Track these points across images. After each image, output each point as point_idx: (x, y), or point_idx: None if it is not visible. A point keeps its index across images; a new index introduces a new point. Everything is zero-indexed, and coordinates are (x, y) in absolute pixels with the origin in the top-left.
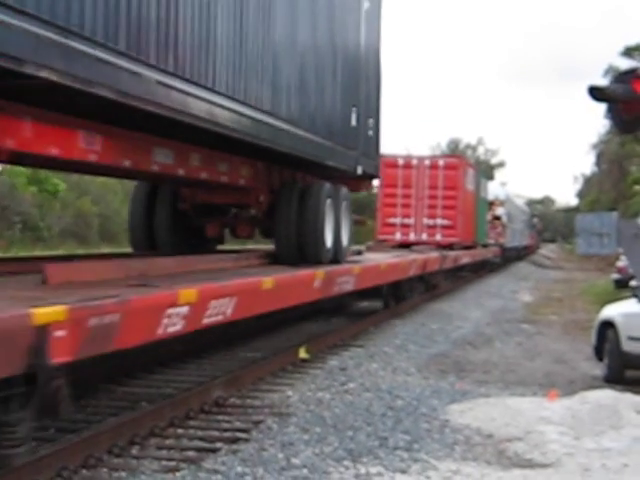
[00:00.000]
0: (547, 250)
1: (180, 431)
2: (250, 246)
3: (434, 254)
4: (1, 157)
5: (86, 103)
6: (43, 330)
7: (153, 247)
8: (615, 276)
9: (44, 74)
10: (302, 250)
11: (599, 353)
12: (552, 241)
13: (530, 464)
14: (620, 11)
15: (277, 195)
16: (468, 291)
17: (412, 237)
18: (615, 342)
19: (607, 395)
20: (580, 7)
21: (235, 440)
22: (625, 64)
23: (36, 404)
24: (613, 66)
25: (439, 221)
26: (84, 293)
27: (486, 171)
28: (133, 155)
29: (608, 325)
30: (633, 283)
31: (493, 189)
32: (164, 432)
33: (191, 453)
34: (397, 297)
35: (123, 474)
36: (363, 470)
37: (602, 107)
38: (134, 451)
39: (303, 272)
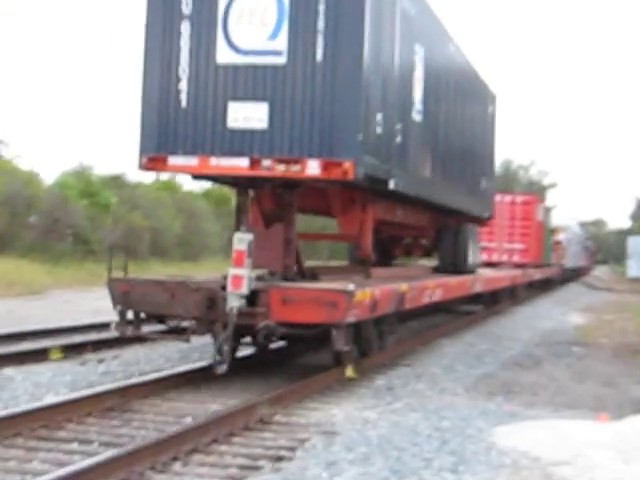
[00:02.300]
0: (599, 272)
1: (224, 448)
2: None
3: (518, 271)
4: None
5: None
6: (351, 296)
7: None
8: None
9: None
10: (455, 265)
11: None
12: (604, 263)
13: None
14: None
15: (440, 231)
16: (518, 314)
17: (495, 258)
18: None
19: None
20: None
21: (279, 458)
22: None
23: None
24: None
25: (516, 245)
26: (388, 282)
27: (538, 192)
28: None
29: None
30: None
31: (557, 217)
32: (207, 449)
33: (234, 470)
34: (493, 301)
35: None
36: None
37: None
38: (177, 467)
39: (463, 277)
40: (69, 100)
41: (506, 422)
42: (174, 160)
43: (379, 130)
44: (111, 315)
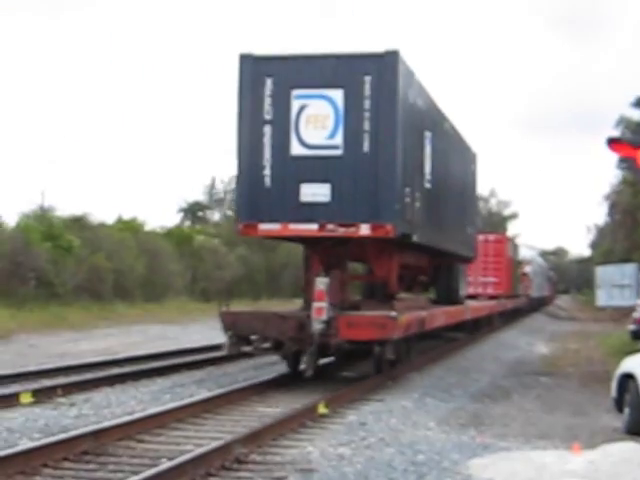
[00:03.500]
0: (561, 301)
1: None
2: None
3: (494, 302)
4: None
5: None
6: (395, 320)
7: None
8: (631, 327)
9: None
10: (449, 297)
11: (619, 405)
12: (566, 292)
13: None
14: (634, 60)
15: (437, 270)
16: (484, 345)
17: (472, 290)
18: (636, 393)
19: (629, 447)
20: (593, 56)
21: None
22: (637, 115)
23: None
24: (625, 117)
25: (490, 279)
26: (410, 310)
27: (498, 223)
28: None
29: (628, 377)
30: None
31: (523, 250)
32: None
33: None
34: (475, 328)
35: None
36: None
37: (614, 157)
38: None
39: (458, 307)
40: (24, 138)
41: (480, 454)
42: (263, 226)
43: (407, 200)
44: (79, 358)
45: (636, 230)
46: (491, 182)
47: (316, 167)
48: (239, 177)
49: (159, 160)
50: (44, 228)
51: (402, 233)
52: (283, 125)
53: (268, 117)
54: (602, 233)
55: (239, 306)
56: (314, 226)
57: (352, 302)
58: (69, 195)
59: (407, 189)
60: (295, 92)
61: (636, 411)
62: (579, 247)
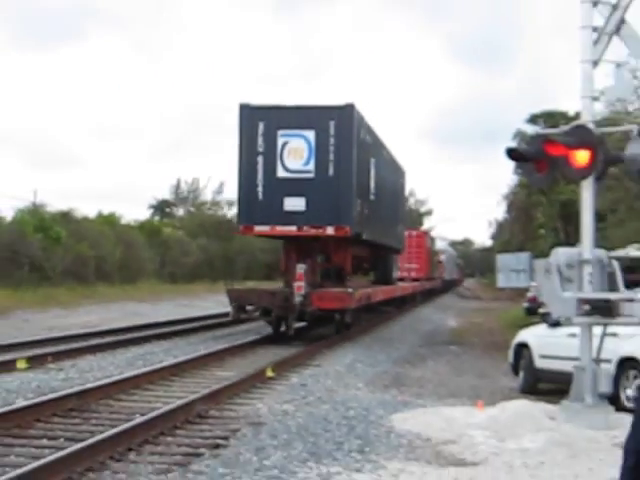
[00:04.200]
0: (468, 283)
1: (169, 439)
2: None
3: (417, 283)
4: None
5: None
6: (352, 295)
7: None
8: (526, 305)
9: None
10: (384, 279)
11: (515, 369)
12: (471, 276)
13: (463, 463)
14: (534, 81)
15: (376, 259)
16: (405, 319)
17: (400, 274)
18: (529, 360)
19: (524, 404)
20: (494, 81)
21: (216, 446)
22: (530, 129)
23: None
24: (521, 130)
25: (413, 265)
26: (359, 288)
27: (416, 218)
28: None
29: (523, 346)
30: (542, 310)
31: (438, 243)
32: (156, 440)
33: (179, 457)
34: (403, 303)
35: (123, 476)
36: (325, 470)
37: (512, 164)
38: (132, 456)
39: (392, 286)
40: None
41: (401, 410)
42: (257, 228)
43: (358, 209)
44: (66, 330)
45: (529, 225)
46: (410, 184)
47: (295, 186)
48: (240, 192)
49: (132, 163)
50: (36, 221)
51: (355, 232)
52: (271, 155)
53: (260, 150)
54: (501, 227)
55: (200, 287)
56: (294, 228)
57: (319, 282)
58: (57, 193)
59: (359, 201)
60: (280, 132)
61: (529, 374)
62: (482, 238)
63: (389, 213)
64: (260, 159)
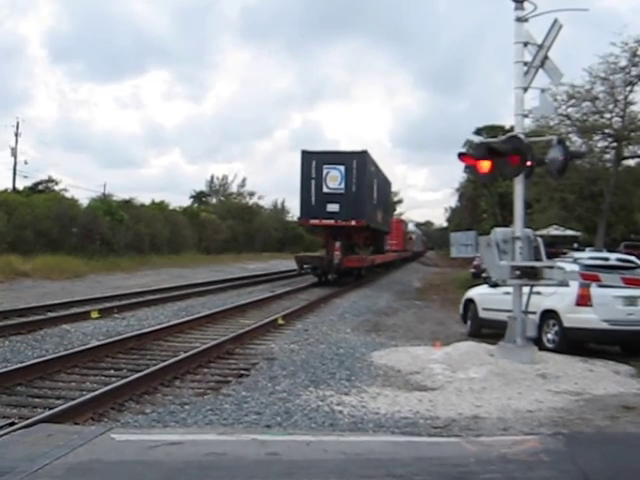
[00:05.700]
0: (429, 255)
1: (205, 370)
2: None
3: (397, 254)
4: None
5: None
6: (366, 258)
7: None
8: (472, 270)
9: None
10: (379, 251)
11: (464, 318)
12: (432, 249)
13: (425, 388)
14: (481, 103)
15: (374, 238)
16: (382, 281)
17: (387, 248)
18: (474, 311)
19: (470, 344)
20: (453, 101)
21: (240, 375)
22: (476, 139)
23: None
24: (469, 140)
25: (393, 241)
26: (368, 255)
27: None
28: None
29: (470, 301)
30: (484, 275)
31: (409, 226)
32: (195, 371)
33: (213, 384)
34: (389, 266)
35: (171, 397)
36: (321, 393)
37: (462, 165)
38: (177, 383)
39: (384, 255)
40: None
41: (378, 349)
42: (311, 221)
43: (368, 209)
44: (128, 289)
45: (475, 210)
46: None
47: (333, 197)
48: (302, 200)
49: (177, 164)
50: (105, 207)
51: (367, 224)
52: (319, 180)
53: (313, 176)
54: (454, 212)
55: (228, 257)
56: (332, 221)
57: (345, 252)
58: (121, 186)
59: (368, 205)
60: (325, 166)
61: (474, 322)
62: (440, 221)
63: (383, 210)
64: (313, 182)
